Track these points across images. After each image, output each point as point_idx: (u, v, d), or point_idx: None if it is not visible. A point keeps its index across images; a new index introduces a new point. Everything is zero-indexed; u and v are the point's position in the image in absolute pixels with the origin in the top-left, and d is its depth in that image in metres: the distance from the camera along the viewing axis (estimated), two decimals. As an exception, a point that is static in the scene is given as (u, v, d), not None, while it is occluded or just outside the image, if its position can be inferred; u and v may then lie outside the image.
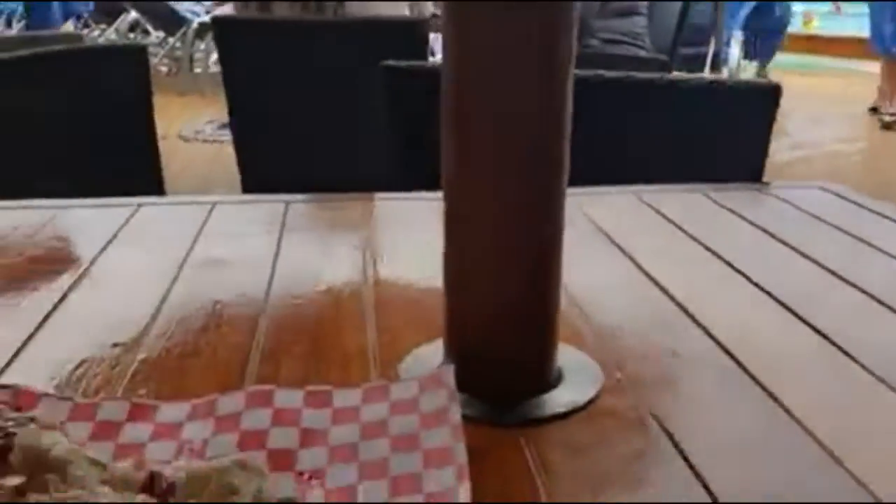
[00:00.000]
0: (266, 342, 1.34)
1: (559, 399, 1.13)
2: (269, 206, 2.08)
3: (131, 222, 1.94)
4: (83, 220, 2.01)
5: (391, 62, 3.04)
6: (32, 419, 0.89)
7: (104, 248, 1.77)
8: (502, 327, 1.11)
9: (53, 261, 1.72)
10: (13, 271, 1.67)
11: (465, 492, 0.84)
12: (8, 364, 1.26)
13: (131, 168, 5.19)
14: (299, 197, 2.16)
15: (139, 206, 2.04)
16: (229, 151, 4.46)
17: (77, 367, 1.25)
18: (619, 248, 1.76)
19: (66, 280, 1.59)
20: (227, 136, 5.07)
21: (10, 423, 0.88)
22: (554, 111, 1.07)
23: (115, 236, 1.84)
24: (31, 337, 1.34)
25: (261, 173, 4.35)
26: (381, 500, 0.90)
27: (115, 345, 1.32)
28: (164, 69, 12.81)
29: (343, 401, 1.08)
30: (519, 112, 1.06)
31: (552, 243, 1.13)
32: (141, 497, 0.73)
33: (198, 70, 12.57)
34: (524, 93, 1.05)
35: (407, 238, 1.84)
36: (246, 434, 1.02)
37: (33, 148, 5.00)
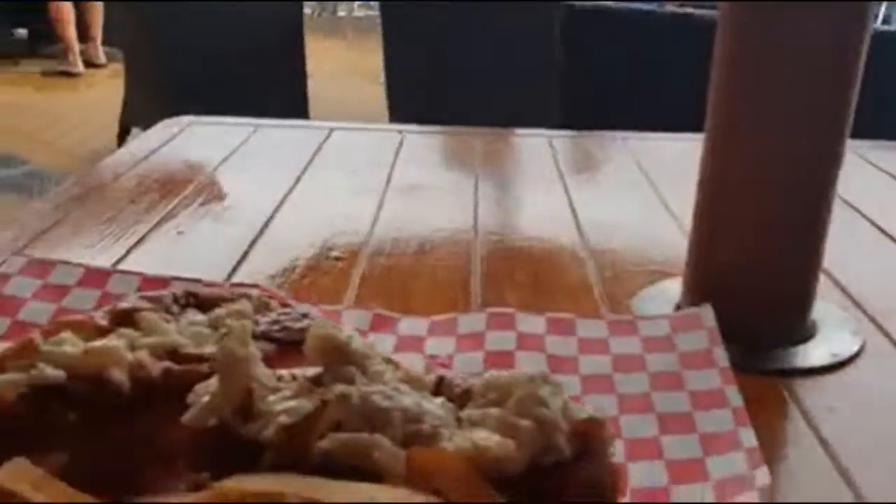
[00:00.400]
0: (484, 269, 1.30)
1: (817, 350, 1.05)
2: (460, 138, 2.05)
3: (325, 146, 1.95)
4: (279, 140, 2.03)
5: (573, 1, 2.94)
6: (305, 315, 0.89)
7: (305, 169, 1.78)
8: (765, 274, 1.04)
9: (258, 180, 1.74)
10: (214, 188, 1.70)
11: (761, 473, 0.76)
12: (233, 271, 1.28)
13: (282, 101, 5.34)
14: (485, 131, 2.12)
15: (331, 130, 2.05)
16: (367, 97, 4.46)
17: (302, 277, 1.26)
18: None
19: (274, 197, 1.60)
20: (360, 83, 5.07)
21: (285, 317, 0.88)
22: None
23: (312, 158, 1.85)
24: (244, 255, 1.35)
25: (410, 112, 4.34)
26: (648, 434, 0.85)
27: (336, 258, 1.32)
28: (308, 11, 13.05)
29: (587, 331, 1.03)
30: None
31: (824, 193, 1.04)
32: (438, 400, 0.70)
33: (342, 14, 12.72)
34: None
35: (610, 178, 1.77)
36: (491, 354, 0.99)
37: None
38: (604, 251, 1.38)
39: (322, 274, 1.27)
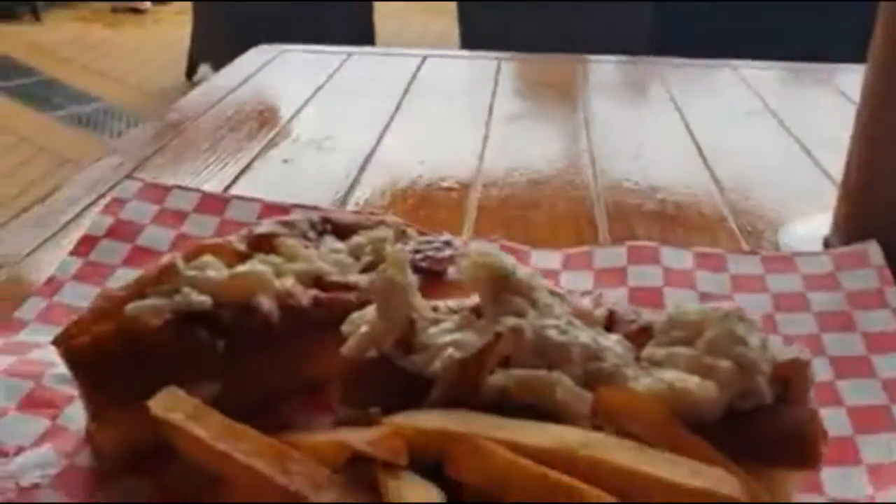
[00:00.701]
0: (607, 199, 1.23)
1: None
2: (559, 65, 1.95)
3: (420, 74, 1.87)
4: (372, 68, 1.96)
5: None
6: (448, 243, 0.83)
7: (403, 97, 1.71)
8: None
9: (356, 108, 1.67)
10: (313, 116, 1.64)
11: None
12: (343, 201, 1.23)
13: (348, 31, 5.25)
14: (584, 57, 2.01)
15: (425, 57, 1.97)
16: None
17: (417, 208, 1.20)
18: None
19: (374, 125, 1.54)
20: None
21: (426, 246, 0.82)
22: None
23: (409, 86, 1.78)
24: (353, 185, 1.29)
25: (482, 36, 4.18)
26: (823, 378, 0.78)
27: (448, 188, 1.26)
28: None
29: (739, 267, 0.95)
30: None
31: None
32: (613, 338, 0.64)
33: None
34: None
35: (727, 106, 1.66)
36: (636, 290, 0.92)
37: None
38: (733, 182, 1.29)
39: (437, 205, 1.21)
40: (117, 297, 0.70)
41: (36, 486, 0.69)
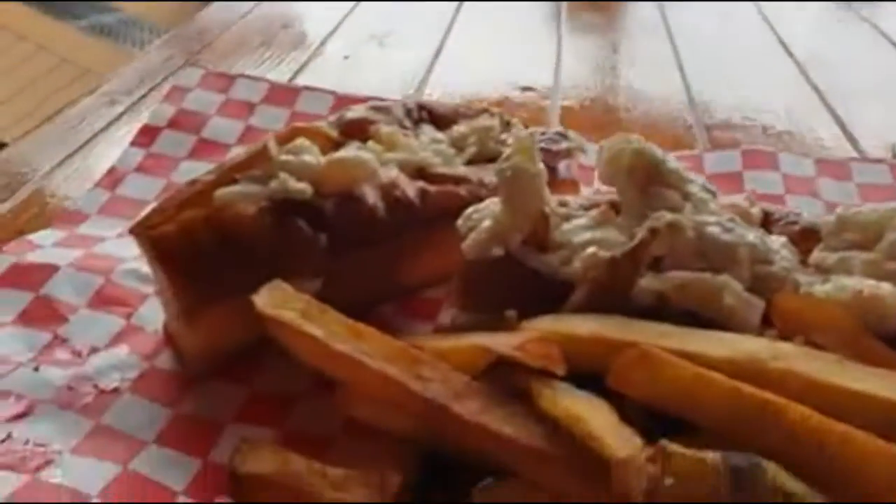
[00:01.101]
0: (699, 109, 1.13)
1: None
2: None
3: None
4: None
5: None
6: (563, 135, 0.75)
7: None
8: None
9: (415, 4, 1.56)
10: (370, 11, 1.53)
11: None
12: (416, 92, 1.14)
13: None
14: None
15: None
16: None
17: (495, 106, 1.11)
18: None
19: (438, 22, 1.43)
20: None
21: (540, 138, 0.73)
22: None
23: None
24: (422, 82, 1.19)
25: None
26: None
27: (526, 88, 1.16)
28: None
29: (863, 175, 0.86)
30: None
31: None
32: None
33: None
34: None
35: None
36: (756, 198, 0.83)
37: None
38: (835, 92, 1.18)
39: (517, 105, 1.12)
40: (203, 183, 0.62)
41: (116, 390, 0.63)
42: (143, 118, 0.98)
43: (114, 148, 0.95)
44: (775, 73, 1.29)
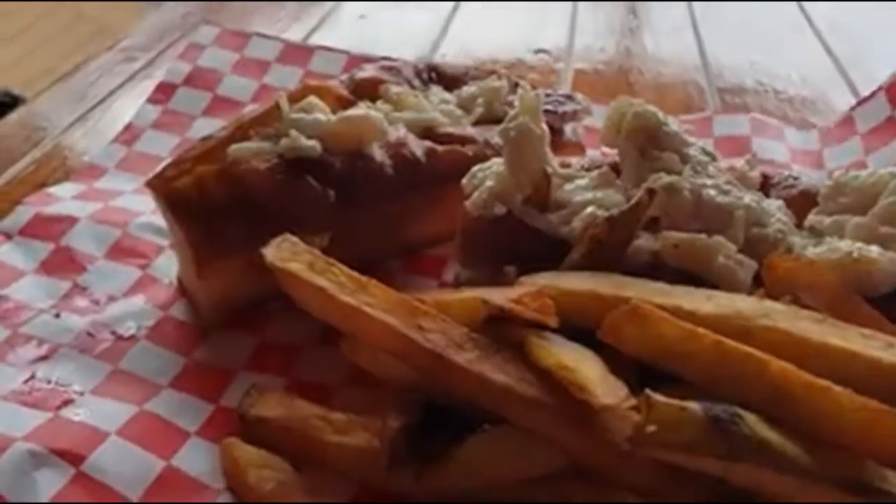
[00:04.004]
0: (712, 74, 1.13)
1: None
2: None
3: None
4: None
5: None
6: (570, 97, 0.76)
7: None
8: None
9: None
10: None
11: None
12: (430, 53, 1.14)
13: None
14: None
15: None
16: None
17: (508, 69, 1.11)
18: None
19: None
20: None
21: (546, 99, 0.74)
22: None
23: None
24: (436, 44, 1.20)
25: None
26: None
27: (541, 51, 1.17)
28: None
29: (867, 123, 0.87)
30: None
31: None
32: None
33: None
34: None
35: None
36: (763, 164, 0.84)
37: None
38: (853, 59, 1.18)
39: (528, 68, 1.12)
40: (217, 139, 0.64)
41: (132, 337, 0.66)
42: (159, 75, 1.01)
43: (131, 103, 0.96)
44: (794, 41, 1.28)
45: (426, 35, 1.21)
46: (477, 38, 1.22)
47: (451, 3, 1.33)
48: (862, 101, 0.89)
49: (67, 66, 1.17)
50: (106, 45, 1.18)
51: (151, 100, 0.92)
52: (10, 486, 0.49)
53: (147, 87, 0.98)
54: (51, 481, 0.50)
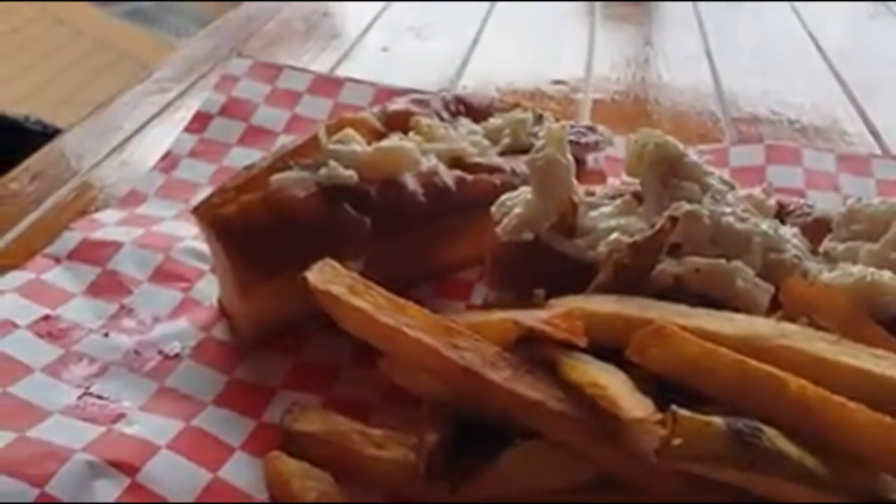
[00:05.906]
0: (727, 103, 1.16)
1: None
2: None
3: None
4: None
5: None
6: (592, 129, 0.79)
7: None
8: None
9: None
10: (407, 4, 1.58)
11: None
12: (451, 83, 1.18)
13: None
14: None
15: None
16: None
17: (528, 100, 1.15)
18: None
19: (473, 16, 1.47)
20: None
21: (569, 131, 0.78)
22: None
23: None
24: (459, 74, 1.24)
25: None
26: None
27: (558, 82, 1.21)
28: None
29: (883, 171, 0.90)
30: None
31: None
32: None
33: None
34: None
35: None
36: (777, 191, 0.87)
37: None
38: (861, 85, 1.21)
39: (548, 98, 1.16)
40: (260, 169, 0.68)
41: (177, 356, 0.69)
42: (191, 105, 1.05)
43: (165, 133, 1.01)
44: (804, 69, 1.31)
45: (447, 67, 1.26)
46: (496, 70, 1.26)
47: (472, 36, 1.38)
48: (884, 157, 0.94)
49: (88, 95, 1.21)
50: (125, 72, 1.23)
51: (188, 129, 0.96)
52: (70, 495, 0.52)
53: (180, 117, 1.03)
54: (108, 490, 0.53)
